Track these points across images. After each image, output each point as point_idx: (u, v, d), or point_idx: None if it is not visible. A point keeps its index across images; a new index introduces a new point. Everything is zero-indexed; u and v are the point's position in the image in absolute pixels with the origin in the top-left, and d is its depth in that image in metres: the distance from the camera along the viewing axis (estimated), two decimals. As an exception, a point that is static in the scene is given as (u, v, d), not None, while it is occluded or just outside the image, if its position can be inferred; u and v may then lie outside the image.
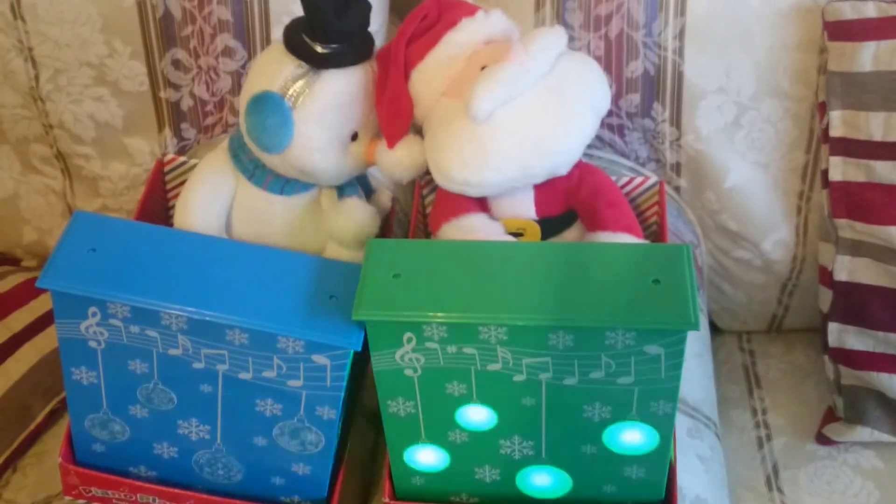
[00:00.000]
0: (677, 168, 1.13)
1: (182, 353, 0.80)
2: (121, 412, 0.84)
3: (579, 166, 0.91)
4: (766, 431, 1.13)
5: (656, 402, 0.81)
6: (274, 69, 0.86)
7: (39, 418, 1.09)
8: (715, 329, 1.22)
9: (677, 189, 1.14)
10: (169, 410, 0.84)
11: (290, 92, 0.85)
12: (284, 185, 0.90)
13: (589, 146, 1.11)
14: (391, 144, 0.89)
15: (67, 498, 0.90)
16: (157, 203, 0.97)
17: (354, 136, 0.90)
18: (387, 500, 0.87)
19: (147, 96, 1.10)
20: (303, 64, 0.86)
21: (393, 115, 0.89)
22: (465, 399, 0.82)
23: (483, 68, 0.87)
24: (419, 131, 0.91)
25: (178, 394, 0.83)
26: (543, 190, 0.90)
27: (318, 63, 0.86)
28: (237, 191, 0.90)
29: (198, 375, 0.81)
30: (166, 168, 0.97)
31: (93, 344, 0.81)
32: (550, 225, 0.91)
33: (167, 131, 1.12)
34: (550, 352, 0.79)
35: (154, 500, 0.87)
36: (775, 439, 1.12)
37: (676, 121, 1.10)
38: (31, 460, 1.08)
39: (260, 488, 0.87)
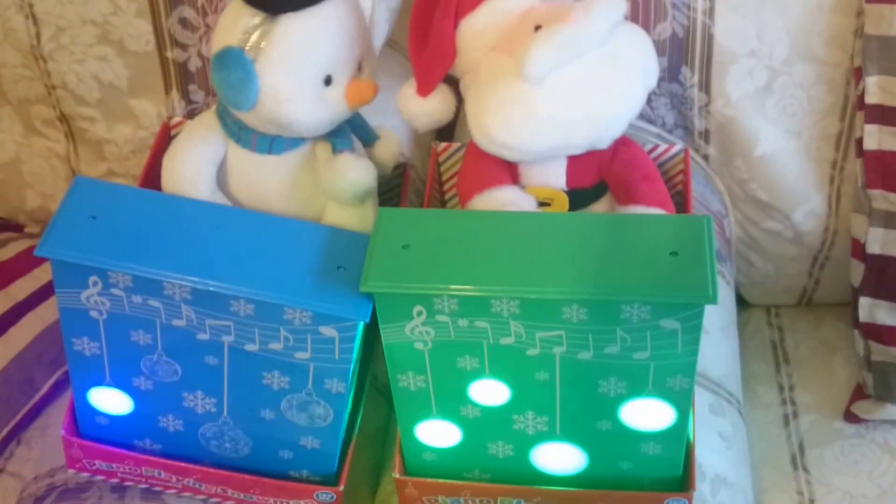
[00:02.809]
0: (706, 135, 1.09)
1: (186, 324, 0.78)
2: (125, 384, 0.82)
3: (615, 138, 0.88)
4: (793, 408, 1.10)
5: (673, 378, 0.78)
6: (231, 22, 0.83)
7: (44, 389, 1.07)
8: (742, 303, 1.19)
9: (706, 157, 1.10)
10: (173, 382, 0.82)
11: (249, 44, 0.82)
12: (271, 143, 0.86)
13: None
14: (425, 92, 0.85)
15: (71, 471, 0.88)
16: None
17: (328, 81, 0.85)
18: (397, 475, 0.85)
19: (153, 56, 1.07)
20: (258, 12, 0.82)
21: (434, 62, 0.85)
22: (478, 373, 0.80)
23: (537, 27, 0.83)
24: (448, 81, 0.88)
25: (182, 366, 0.81)
26: (577, 160, 0.87)
27: (271, 9, 0.82)
28: (229, 156, 0.87)
29: (202, 347, 0.79)
30: (173, 132, 0.94)
31: (94, 314, 0.79)
32: (580, 196, 0.88)
33: (175, 93, 1.09)
34: (564, 325, 0.77)
35: (159, 474, 0.86)
36: (802, 417, 1.09)
37: (706, 86, 1.06)
38: (35, 433, 1.06)
39: (268, 462, 0.85)
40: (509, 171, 0.87)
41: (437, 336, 0.78)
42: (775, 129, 1.07)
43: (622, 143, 0.88)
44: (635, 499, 0.84)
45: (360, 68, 0.87)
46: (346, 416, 0.83)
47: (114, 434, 0.85)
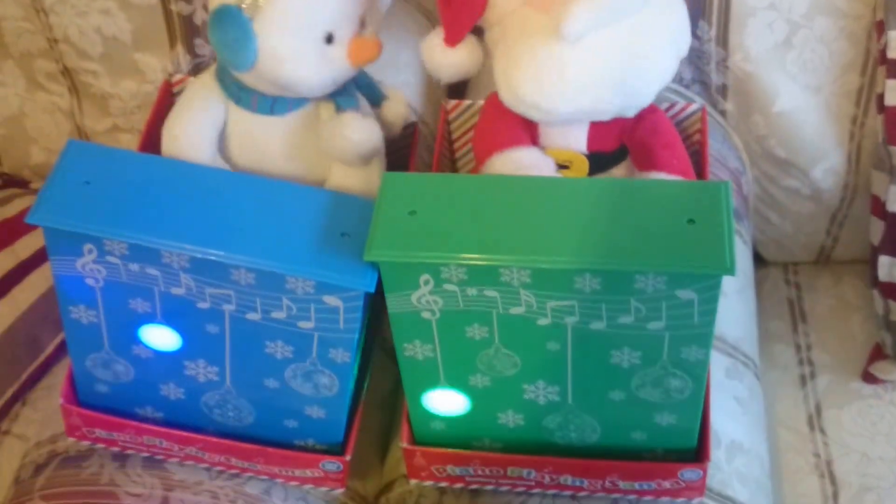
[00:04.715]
0: (723, 90, 1.06)
1: (185, 292, 0.76)
2: (124, 352, 0.80)
3: None
4: (810, 369, 1.08)
5: (688, 348, 0.76)
6: None
7: (49, 349, 1.05)
8: (760, 260, 1.16)
9: (723, 113, 1.07)
10: (174, 351, 0.80)
11: (247, 2, 0.79)
12: (273, 103, 0.83)
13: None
14: (453, 42, 0.81)
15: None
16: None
17: (330, 39, 0.82)
18: (405, 444, 0.83)
19: (157, 9, 1.03)
20: None
21: (464, 10, 0.81)
22: (487, 343, 0.77)
23: None
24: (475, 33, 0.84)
25: (183, 334, 0.78)
26: (599, 124, 0.84)
27: None
28: (229, 118, 0.84)
29: (203, 315, 0.77)
30: (175, 89, 0.92)
31: (90, 281, 0.76)
32: (600, 160, 0.85)
33: (179, 48, 1.06)
34: (577, 295, 0.74)
35: (161, 443, 0.84)
36: (819, 377, 1.07)
37: (723, 40, 1.02)
38: (41, 393, 1.04)
39: (273, 431, 0.83)
40: (529, 132, 0.84)
41: (445, 305, 0.75)
42: (795, 85, 1.03)
43: (648, 109, 0.85)
44: (648, 469, 0.82)
45: (363, 25, 0.84)
46: (351, 386, 0.81)
47: (114, 402, 0.84)
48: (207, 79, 0.86)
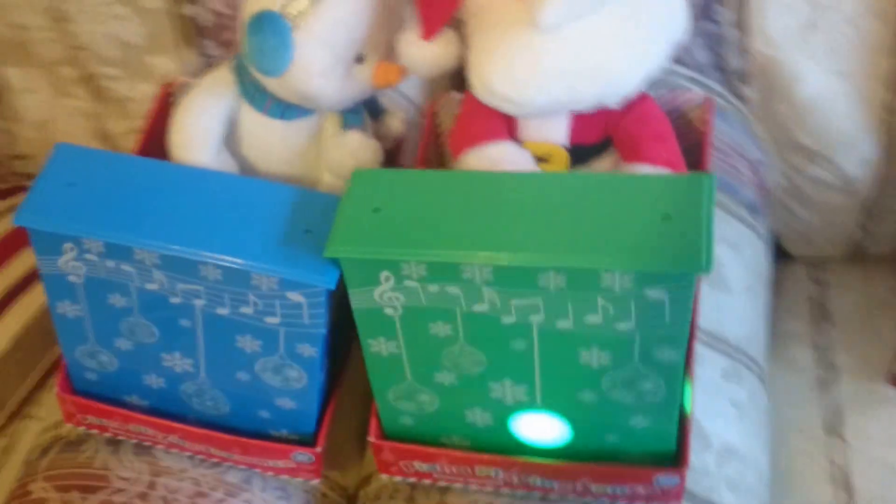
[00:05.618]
0: (744, 76, 1.01)
1: (159, 287, 0.77)
2: (107, 344, 0.82)
3: None
4: (831, 371, 1.03)
5: (660, 350, 0.73)
6: None
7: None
8: (786, 256, 1.11)
9: (743, 99, 1.02)
10: (152, 344, 0.81)
11: (293, 11, 0.78)
12: (285, 109, 0.84)
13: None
14: (428, 35, 0.80)
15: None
16: (166, 132, 0.90)
17: (360, 59, 0.82)
18: (372, 439, 0.82)
19: (167, 13, 1.04)
20: None
21: (440, 3, 0.79)
22: (451, 340, 0.76)
23: None
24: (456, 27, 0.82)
25: (158, 328, 0.80)
26: (582, 115, 0.80)
27: None
28: (240, 114, 0.85)
29: (176, 310, 0.78)
30: (176, 91, 0.92)
31: (72, 279, 0.78)
32: (582, 152, 0.82)
33: (189, 50, 1.06)
34: (542, 293, 0.72)
35: (146, 430, 0.86)
36: (840, 380, 1.01)
37: (741, 22, 0.98)
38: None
39: (248, 421, 0.83)
40: (506, 125, 0.81)
41: (407, 302, 0.74)
42: (820, 70, 0.98)
43: (637, 98, 0.81)
44: (621, 473, 0.80)
45: (391, 49, 0.83)
46: (321, 379, 0.80)
47: (105, 389, 0.86)
48: (224, 73, 0.86)
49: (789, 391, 1.01)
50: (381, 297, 0.74)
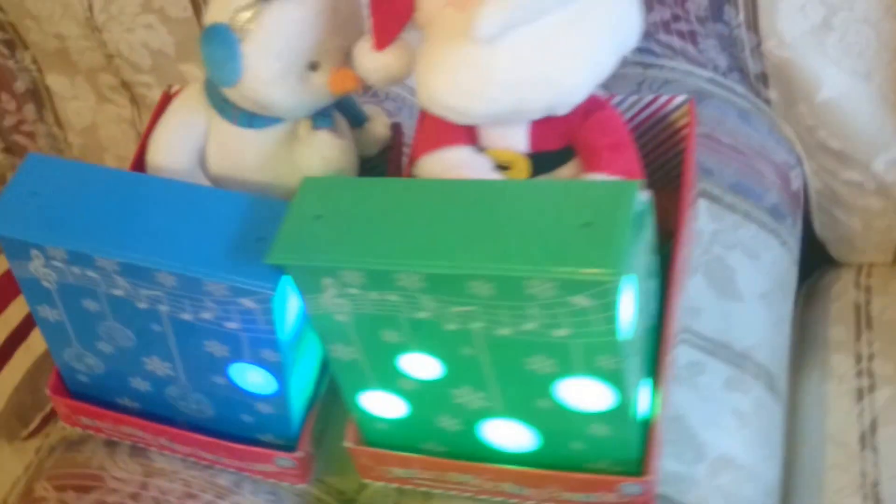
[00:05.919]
0: (764, 78, 0.98)
1: (125, 293, 0.81)
2: (90, 347, 0.86)
3: (587, 99, 0.81)
4: (870, 381, 0.98)
5: (601, 357, 0.73)
6: None
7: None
8: (831, 262, 1.06)
9: (767, 102, 0.99)
10: (130, 347, 0.85)
11: (239, 23, 0.82)
12: (252, 118, 0.87)
13: (658, 56, 1.00)
14: (380, 46, 0.82)
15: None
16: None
17: (314, 66, 0.85)
18: (348, 443, 0.84)
19: (193, 22, 1.09)
20: None
21: (390, 12, 0.81)
22: (403, 346, 0.77)
23: None
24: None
25: (133, 332, 0.84)
26: (541, 122, 0.81)
27: None
28: (211, 126, 0.89)
29: (144, 315, 0.81)
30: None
31: (46, 284, 0.83)
32: (544, 160, 0.82)
33: None
34: (475, 301, 0.73)
35: (136, 432, 0.90)
36: (879, 390, 0.96)
37: (754, 24, 0.95)
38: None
39: (233, 425, 0.87)
40: (467, 132, 0.82)
41: (354, 308, 0.76)
42: (839, 71, 0.94)
43: (596, 106, 0.81)
44: (587, 481, 0.79)
45: (348, 55, 0.86)
46: (291, 383, 0.83)
47: (97, 391, 0.90)
48: (196, 90, 0.91)
49: (829, 400, 0.97)
50: (329, 303, 0.77)
